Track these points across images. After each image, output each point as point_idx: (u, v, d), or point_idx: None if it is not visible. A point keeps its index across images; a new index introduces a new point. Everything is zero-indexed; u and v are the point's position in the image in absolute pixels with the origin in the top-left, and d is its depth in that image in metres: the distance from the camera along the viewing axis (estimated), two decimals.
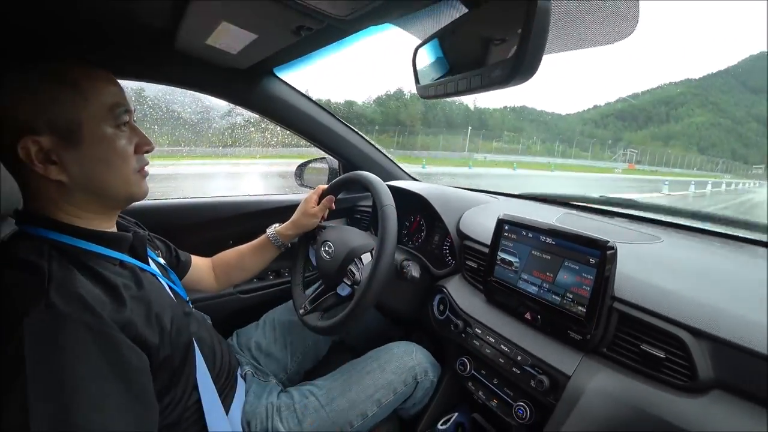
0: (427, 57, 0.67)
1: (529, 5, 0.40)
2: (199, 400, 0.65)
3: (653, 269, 0.70)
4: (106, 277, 0.52)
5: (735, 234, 0.86)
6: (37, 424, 0.38)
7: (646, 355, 0.60)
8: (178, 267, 0.87)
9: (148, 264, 0.65)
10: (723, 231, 0.88)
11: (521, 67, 0.41)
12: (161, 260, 0.76)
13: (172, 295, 0.67)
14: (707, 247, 0.84)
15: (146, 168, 0.62)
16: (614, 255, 0.65)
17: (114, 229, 0.63)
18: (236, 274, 0.99)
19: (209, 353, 0.72)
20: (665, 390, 0.58)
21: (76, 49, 0.84)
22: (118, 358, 0.46)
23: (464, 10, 0.54)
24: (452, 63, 0.60)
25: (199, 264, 0.95)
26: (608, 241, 0.65)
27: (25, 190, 0.55)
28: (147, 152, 0.61)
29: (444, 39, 0.62)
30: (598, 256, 0.65)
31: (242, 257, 0.99)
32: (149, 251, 0.69)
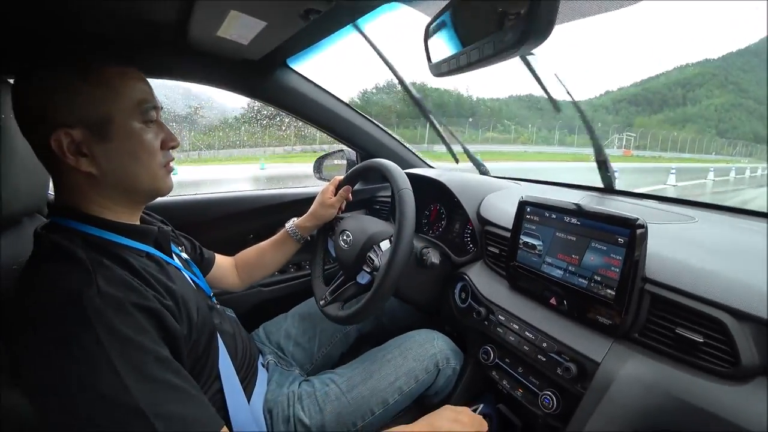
0: (438, 33, 0.64)
1: None
2: (221, 389, 0.65)
3: (688, 249, 0.65)
4: (135, 266, 0.54)
5: None
6: (130, 382, 0.43)
7: (682, 339, 0.56)
8: (201, 264, 0.89)
9: (172, 258, 0.66)
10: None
11: (534, 28, 0.38)
12: (185, 255, 0.77)
13: (195, 288, 0.69)
14: (749, 227, 0.77)
15: (171, 164, 0.63)
16: (645, 233, 0.61)
17: (138, 224, 0.64)
18: (257, 272, 1.00)
19: (231, 343, 0.73)
20: (704, 377, 0.54)
21: (77, 50, 0.84)
22: (165, 327, 0.51)
23: None
24: (465, 35, 0.57)
25: (223, 263, 0.97)
26: (638, 219, 0.61)
27: (57, 183, 0.57)
28: (173, 148, 0.62)
29: (456, 11, 0.59)
30: (628, 235, 0.61)
31: (263, 254, 0.99)
32: (173, 246, 0.71)
